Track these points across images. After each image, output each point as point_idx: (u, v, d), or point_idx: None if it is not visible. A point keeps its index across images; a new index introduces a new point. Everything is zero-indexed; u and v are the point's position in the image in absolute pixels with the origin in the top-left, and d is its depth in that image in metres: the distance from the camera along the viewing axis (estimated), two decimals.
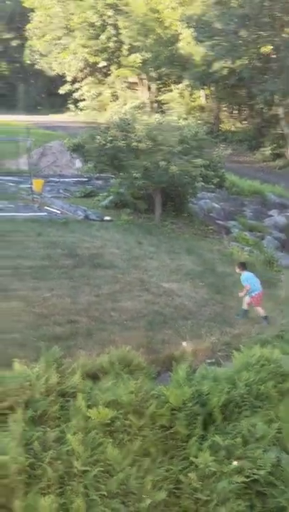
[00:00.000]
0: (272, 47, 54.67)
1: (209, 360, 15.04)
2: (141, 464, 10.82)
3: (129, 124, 29.65)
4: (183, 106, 59.40)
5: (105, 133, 29.12)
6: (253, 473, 10.55)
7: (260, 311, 18.74)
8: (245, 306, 18.87)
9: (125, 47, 63.76)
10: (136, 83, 68.53)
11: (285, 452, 11.04)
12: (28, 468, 10.26)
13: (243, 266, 19.34)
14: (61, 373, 12.42)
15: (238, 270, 19.34)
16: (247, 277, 18.90)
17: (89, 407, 11.46)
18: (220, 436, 11.17)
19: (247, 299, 18.85)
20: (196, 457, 10.84)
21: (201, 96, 64.22)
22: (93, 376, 12.98)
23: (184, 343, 15.29)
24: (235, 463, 10.65)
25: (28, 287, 18.76)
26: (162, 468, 10.85)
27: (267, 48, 54.86)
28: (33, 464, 10.35)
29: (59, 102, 74.18)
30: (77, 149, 33.39)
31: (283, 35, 54.05)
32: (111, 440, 10.99)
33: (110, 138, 28.29)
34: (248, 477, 10.50)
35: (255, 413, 11.91)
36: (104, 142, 28.25)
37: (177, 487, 10.77)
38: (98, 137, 28.50)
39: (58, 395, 11.90)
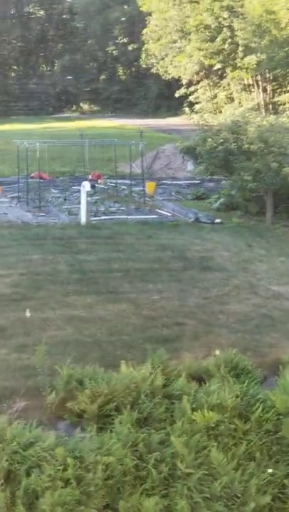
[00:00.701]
0: None
1: None
2: (245, 467, 10.81)
3: (240, 126, 29.48)
4: None
5: (217, 135, 29.03)
6: None
7: None
8: None
9: (240, 49, 63.24)
10: (251, 85, 67.93)
11: None
12: (133, 469, 10.43)
13: None
14: (167, 375, 12.53)
15: None
16: None
17: (194, 409, 11.53)
18: None
19: None
20: None
21: None
22: (198, 379, 13.03)
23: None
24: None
25: (138, 290, 18.99)
26: (267, 473, 10.81)
27: None
28: (137, 465, 10.51)
29: (175, 105, 74.63)
30: (188, 152, 33.45)
31: None
32: (215, 444, 11.02)
33: (221, 140, 28.19)
34: None
35: None
36: (215, 145, 28.18)
37: (282, 492, 10.72)
38: (209, 139, 28.44)
39: (163, 397, 12.02)
